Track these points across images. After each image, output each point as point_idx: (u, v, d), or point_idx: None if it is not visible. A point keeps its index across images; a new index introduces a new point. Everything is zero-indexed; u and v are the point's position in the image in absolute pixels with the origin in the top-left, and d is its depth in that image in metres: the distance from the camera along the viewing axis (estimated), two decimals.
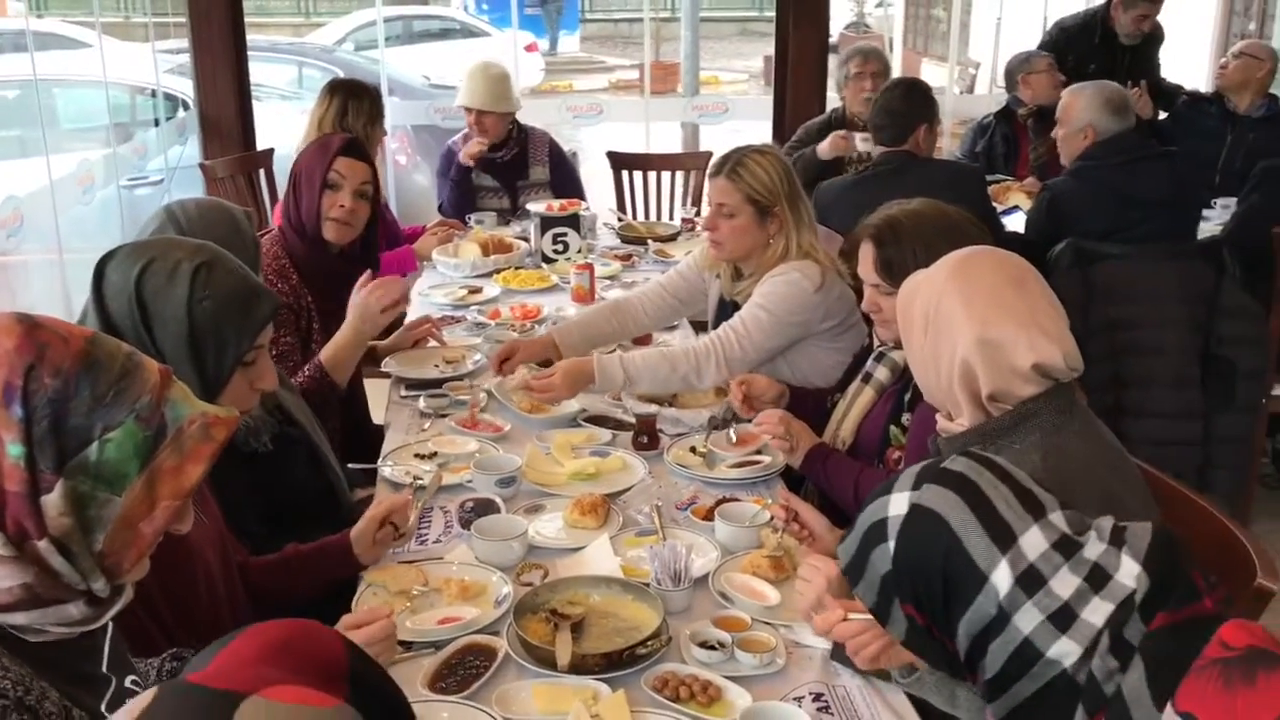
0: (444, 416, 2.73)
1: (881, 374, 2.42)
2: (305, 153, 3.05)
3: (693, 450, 2.54)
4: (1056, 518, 1.29)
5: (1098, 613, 1.22)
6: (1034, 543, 1.26)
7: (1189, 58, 6.90)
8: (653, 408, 2.66)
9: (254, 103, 5.33)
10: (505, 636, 1.84)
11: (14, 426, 1.15)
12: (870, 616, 1.42)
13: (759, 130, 5.83)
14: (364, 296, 2.74)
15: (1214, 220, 4.42)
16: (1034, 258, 3.55)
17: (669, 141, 9.08)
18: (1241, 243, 3.80)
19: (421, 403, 2.79)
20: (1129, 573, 1.23)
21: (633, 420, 2.63)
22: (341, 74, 7.19)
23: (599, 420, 2.71)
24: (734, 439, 2.52)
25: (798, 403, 2.64)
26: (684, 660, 1.80)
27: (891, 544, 1.32)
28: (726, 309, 3.05)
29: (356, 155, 2.97)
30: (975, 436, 1.73)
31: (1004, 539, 1.26)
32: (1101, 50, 5.32)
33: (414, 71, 9.68)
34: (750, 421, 2.52)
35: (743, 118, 6.35)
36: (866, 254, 2.31)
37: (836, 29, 20.07)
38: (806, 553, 1.94)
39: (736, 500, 2.31)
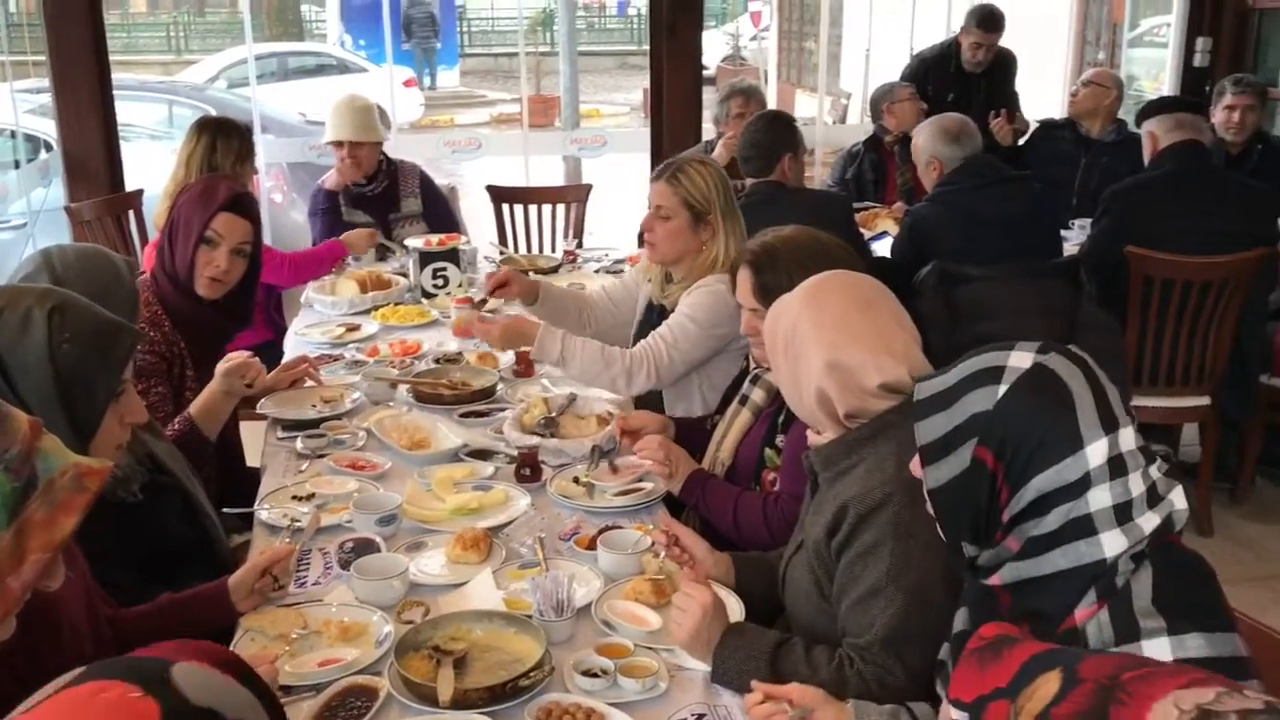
0: (322, 457, 2.70)
1: (758, 396, 2.48)
2: (187, 199, 2.91)
3: (575, 481, 2.55)
4: (1136, 429, 1.42)
5: (1149, 522, 1.36)
6: (1128, 437, 1.38)
7: (1045, 85, 7.21)
8: (534, 440, 2.67)
9: (122, 143, 5.20)
10: (387, 676, 1.82)
11: None
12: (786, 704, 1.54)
13: (639, 162, 5.91)
14: (229, 369, 2.69)
15: (1072, 240, 4.63)
16: (901, 281, 3.71)
17: (551, 175, 9.13)
18: (1097, 261, 4.00)
19: (299, 444, 2.75)
20: (1178, 499, 1.40)
21: (515, 453, 2.64)
22: (213, 112, 7.07)
23: (481, 454, 2.71)
24: (616, 468, 2.54)
25: (684, 433, 2.70)
26: (567, 689, 1.80)
27: (1002, 388, 1.40)
28: (653, 313, 3.18)
29: (240, 212, 2.86)
30: (839, 446, 1.85)
31: (1109, 423, 1.38)
32: (958, 79, 5.55)
33: (289, 108, 9.56)
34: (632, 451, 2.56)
35: (621, 150, 6.41)
36: (745, 279, 2.38)
37: (714, 60, 20.49)
38: (688, 576, 1.97)
39: (619, 528, 2.33)
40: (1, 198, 5.56)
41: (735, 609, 2.01)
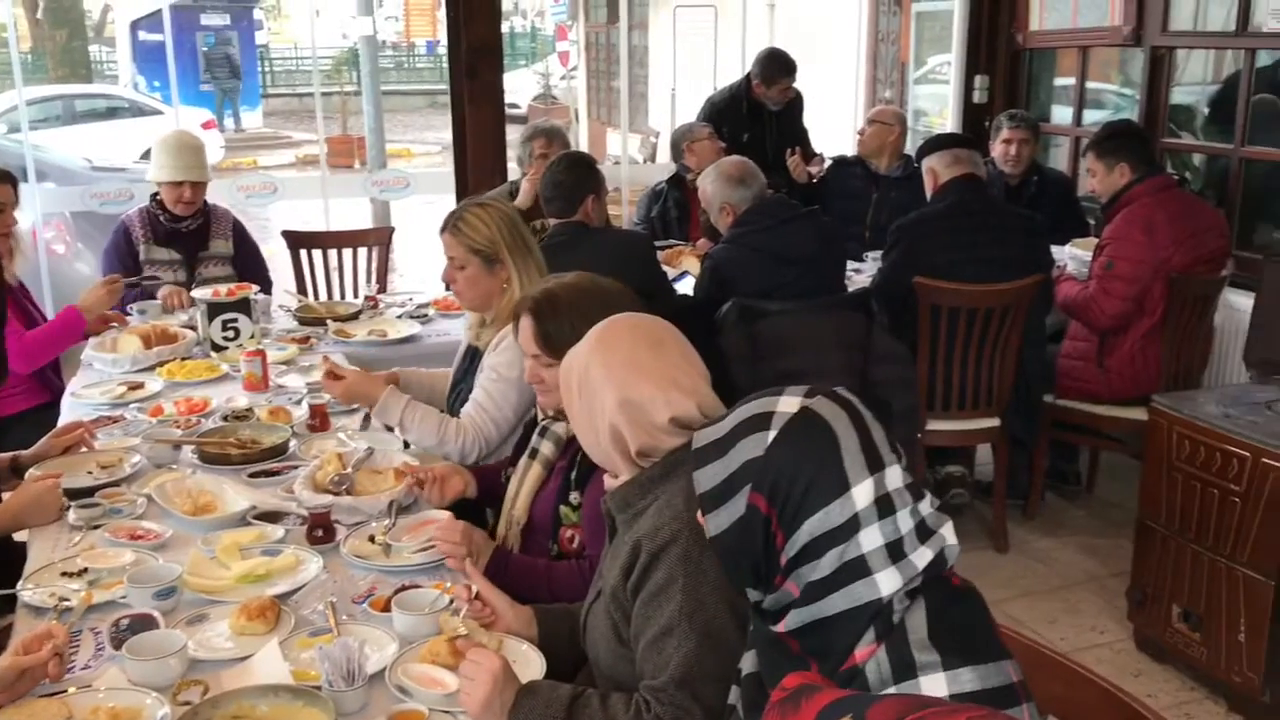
0: (97, 528, 2.52)
1: (546, 449, 2.45)
2: None
3: (371, 540, 2.46)
4: (905, 469, 1.44)
5: (922, 557, 1.39)
6: (895, 476, 1.40)
7: (838, 124, 7.48)
8: (327, 499, 2.56)
9: None
10: None
11: None
12: None
13: (445, 203, 5.83)
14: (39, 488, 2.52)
15: (866, 272, 4.79)
16: (705, 319, 3.75)
17: (361, 217, 8.94)
18: (887, 293, 4.14)
19: (71, 514, 2.56)
20: (949, 534, 1.43)
21: (306, 514, 2.52)
22: None
23: (270, 516, 2.58)
24: (411, 525, 2.47)
25: (486, 484, 2.66)
26: None
27: (771, 434, 1.42)
28: (469, 354, 3.17)
29: None
30: (633, 488, 1.87)
31: (875, 463, 1.40)
32: (750, 120, 5.72)
33: (75, 154, 9.07)
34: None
35: (426, 191, 6.33)
36: (526, 327, 2.38)
37: (525, 100, 20.58)
38: (462, 645, 1.90)
39: (417, 587, 2.25)
40: None
41: (536, 664, 1.96)
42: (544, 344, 2.33)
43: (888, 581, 1.36)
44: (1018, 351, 4.13)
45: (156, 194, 4.42)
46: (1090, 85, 6.07)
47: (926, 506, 1.43)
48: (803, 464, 1.39)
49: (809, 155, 5.70)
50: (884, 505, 1.39)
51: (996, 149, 5.36)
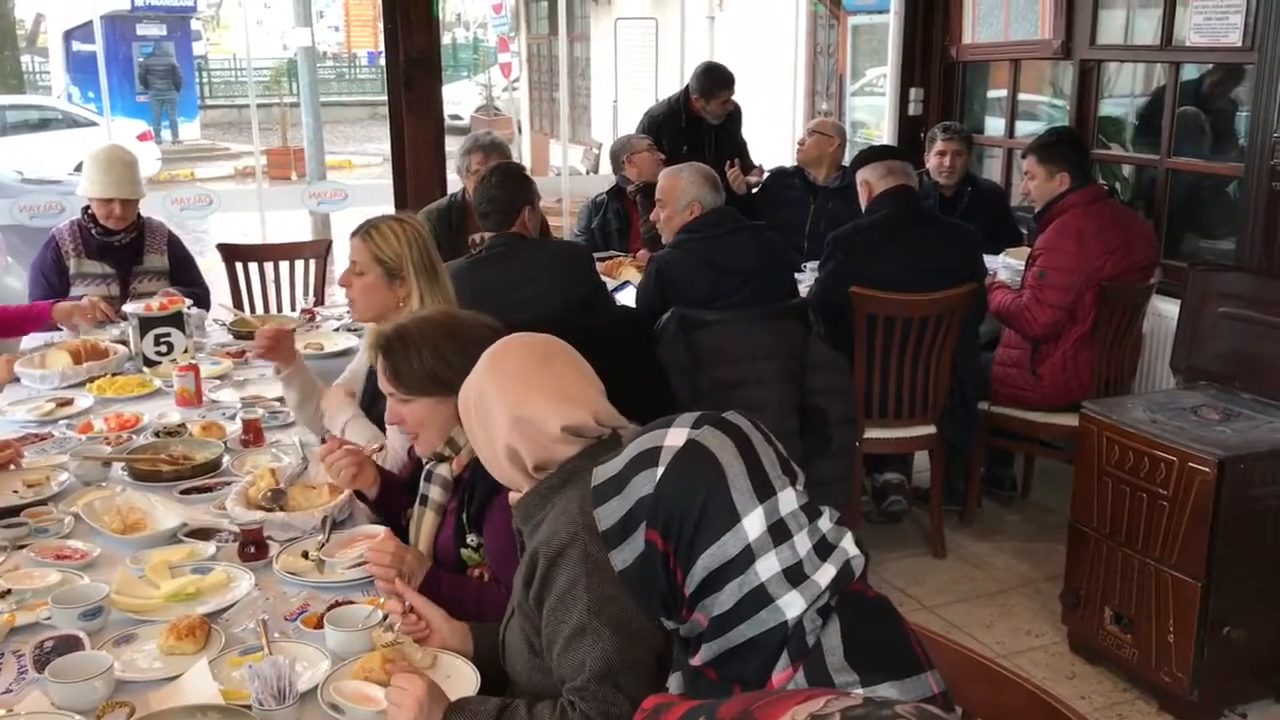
0: (22, 548, 2.47)
1: (435, 493, 2.38)
2: None
3: (304, 555, 2.43)
4: (802, 487, 1.44)
5: (825, 574, 1.38)
6: (788, 501, 1.40)
7: (777, 135, 7.55)
8: (259, 515, 2.53)
9: None
10: None
11: None
12: None
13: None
14: None
15: (803, 282, 4.82)
16: (645, 329, 3.76)
17: (300, 229, 8.84)
18: (824, 302, 4.18)
19: None
20: (850, 546, 1.42)
21: (238, 531, 2.49)
22: None
23: (202, 534, 2.54)
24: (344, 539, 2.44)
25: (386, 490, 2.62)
26: None
27: (660, 470, 1.42)
28: (372, 378, 3.02)
29: None
30: (534, 498, 1.89)
31: (764, 491, 1.39)
32: (689, 132, 5.75)
33: (6, 166, 8.90)
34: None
35: (364, 203, 6.26)
36: (381, 366, 2.37)
37: (468, 111, 20.52)
38: (400, 667, 1.89)
39: (351, 603, 2.22)
40: None
41: (470, 679, 1.95)
42: (395, 380, 2.33)
43: (791, 605, 1.36)
44: (952, 359, 4.19)
45: (88, 207, 4.34)
46: (1022, 97, 6.17)
47: (826, 523, 1.43)
48: (691, 499, 1.39)
49: (748, 167, 5.74)
50: (777, 532, 1.38)
51: (931, 160, 5.43)
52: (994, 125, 6.43)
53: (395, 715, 1.76)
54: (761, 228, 4.16)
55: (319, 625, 2.13)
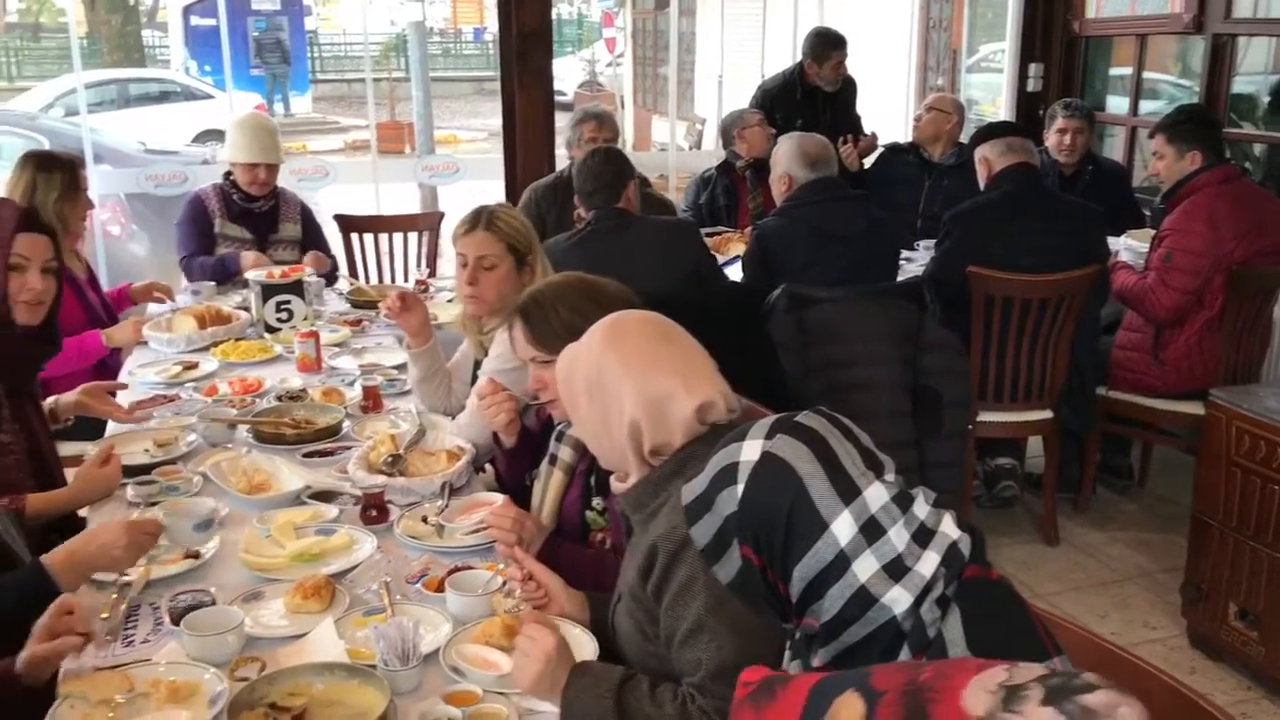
0: (154, 504, 2.55)
1: (566, 454, 2.40)
2: None
3: (424, 520, 2.47)
4: (892, 477, 1.39)
5: (927, 564, 1.33)
6: (876, 496, 1.36)
7: (889, 110, 7.41)
8: (380, 479, 2.58)
9: None
10: None
11: None
12: None
13: (493, 189, 5.85)
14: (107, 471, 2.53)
15: (917, 261, 4.74)
16: (754, 304, 3.73)
17: (408, 202, 8.97)
18: (940, 282, 4.10)
19: (129, 491, 2.60)
20: (949, 527, 1.36)
21: (360, 494, 2.54)
22: (46, 142, 6.73)
23: (325, 496, 2.60)
24: (464, 505, 2.48)
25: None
26: None
27: (740, 487, 1.39)
28: (479, 365, 3.08)
29: (35, 229, 2.72)
30: (646, 487, 1.85)
31: (849, 492, 1.35)
32: (804, 105, 5.67)
33: (129, 137, 9.19)
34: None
35: (474, 177, 6.34)
36: (519, 334, 2.36)
37: (571, 86, 20.58)
38: (527, 618, 1.91)
39: (470, 568, 2.26)
40: None
41: (589, 647, 1.96)
42: (538, 342, 2.31)
43: (898, 601, 1.32)
44: (1071, 342, 4.07)
45: (229, 173, 4.48)
46: (1146, 75, 5.96)
47: (922, 508, 1.38)
48: (774, 513, 1.36)
49: (860, 135, 5.66)
50: (870, 530, 1.34)
51: (1051, 138, 5.28)
52: (1116, 104, 6.23)
53: (522, 664, 1.77)
54: (865, 197, 4.14)
55: (439, 589, 2.17)
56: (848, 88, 5.83)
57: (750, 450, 1.41)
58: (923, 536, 1.35)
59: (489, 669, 1.91)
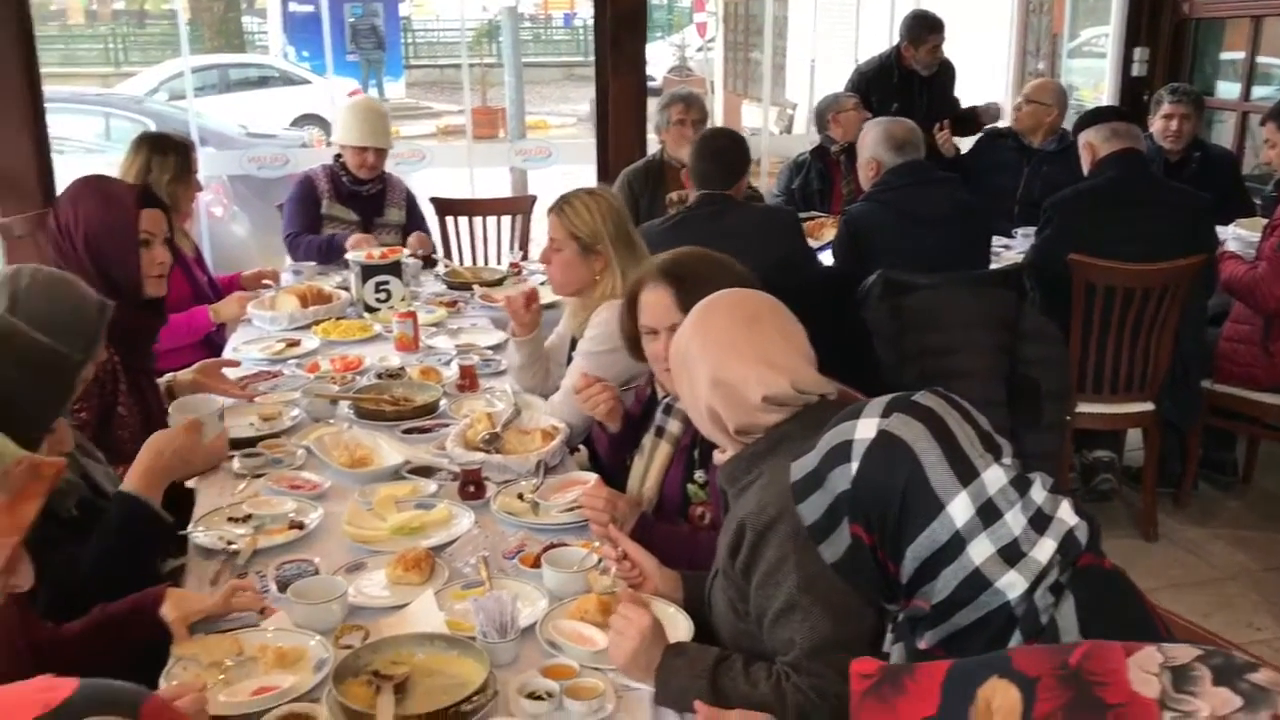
0: (260, 476, 2.63)
1: (674, 426, 2.41)
2: (94, 211, 2.80)
3: (520, 497, 2.50)
4: (1009, 460, 1.38)
5: (1043, 550, 1.31)
6: (994, 478, 1.34)
7: (986, 95, 7.27)
8: (478, 456, 2.62)
9: (56, 156, 5.07)
10: (325, 703, 1.76)
11: None
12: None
13: (585, 173, 5.88)
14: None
15: (1016, 249, 4.66)
16: (846, 290, 3.70)
17: (498, 186, 9.06)
18: (1040, 270, 4.02)
19: (235, 463, 2.68)
20: (1067, 514, 1.34)
21: (457, 470, 2.59)
22: (152, 125, 6.94)
23: (423, 471, 2.65)
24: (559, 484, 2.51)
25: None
26: (511, 713, 1.76)
27: (855, 465, 1.38)
28: (573, 345, 3.17)
29: (152, 204, 2.86)
30: (739, 463, 1.87)
31: (966, 473, 1.34)
32: (900, 89, 5.60)
33: (231, 121, 9.42)
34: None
35: (567, 161, 6.39)
36: (663, 298, 2.33)
37: (660, 71, 20.54)
38: (625, 596, 1.93)
39: (565, 545, 2.28)
40: None
41: (684, 626, 1.98)
42: (688, 309, 2.30)
43: (1012, 586, 1.30)
44: (1175, 333, 3.97)
45: (339, 155, 4.58)
46: (1260, 59, 5.76)
47: (1039, 493, 1.36)
48: (889, 492, 1.35)
49: (970, 113, 5.60)
50: (987, 513, 1.32)
51: (1156, 124, 5.14)
52: (1225, 89, 6.03)
53: (617, 642, 1.79)
54: (956, 180, 4.09)
55: (535, 564, 2.20)
56: (945, 72, 5.74)
57: (865, 428, 1.40)
58: (1040, 522, 1.33)
59: (585, 645, 1.93)
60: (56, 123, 5.23)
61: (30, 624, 1.85)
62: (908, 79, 5.66)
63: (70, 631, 1.93)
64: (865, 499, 1.37)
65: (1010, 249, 4.65)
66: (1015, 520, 1.33)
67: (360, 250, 4.05)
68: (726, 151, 3.79)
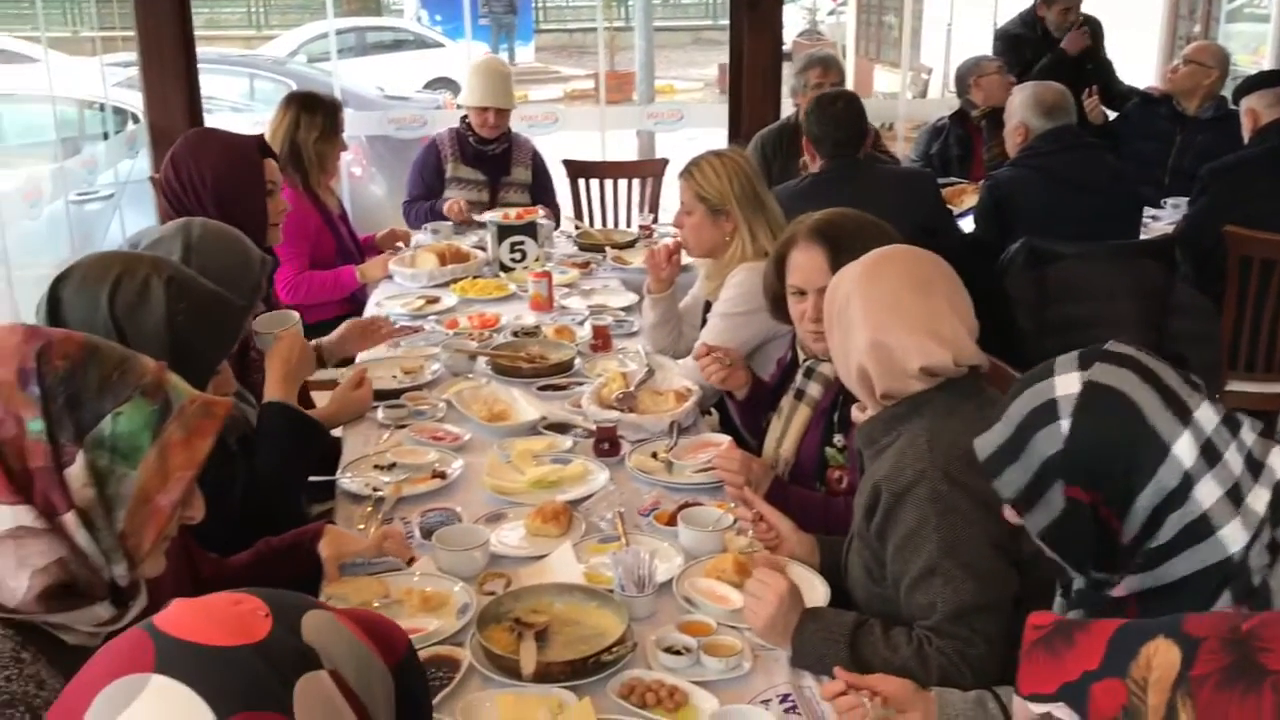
0: (403, 427, 2.70)
1: (814, 389, 2.40)
2: (220, 163, 2.83)
3: (654, 456, 2.52)
4: (1215, 402, 1.33)
5: (1259, 500, 1.27)
6: (1207, 416, 1.30)
7: (1137, 57, 7.00)
8: (613, 414, 2.65)
9: (205, 115, 5.26)
10: (469, 647, 1.82)
11: (32, 405, 1.23)
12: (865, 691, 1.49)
13: (715, 137, 5.84)
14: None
15: (1165, 220, 4.48)
16: (987, 259, 3.61)
17: (625, 150, 9.08)
18: (1193, 242, 3.87)
19: (380, 414, 2.76)
20: (1278, 465, 1.29)
21: (592, 427, 2.62)
22: (294, 85, 7.13)
23: (559, 427, 2.69)
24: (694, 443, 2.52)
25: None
26: (649, 666, 1.78)
27: (1065, 422, 1.33)
28: (707, 308, 3.19)
29: (268, 154, 2.95)
30: (878, 424, 1.86)
31: (1182, 412, 1.30)
32: (1044, 51, 5.41)
33: (368, 83, 9.62)
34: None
35: (698, 125, 6.36)
36: (815, 258, 2.29)
37: (790, 36, 20.25)
38: (761, 560, 1.93)
39: (699, 504, 2.30)
40: (91, 168, 5.66)
41: (820, 590, 1.97)
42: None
43: (1234, 537, 1.25)
44: None
45: (466, 116, 4.64)
46: None
47: (1249, 434, 1.30)
48: (1112, 443, 1.30)
49: (1111, 94, 5.37)
50: (1209, 452, 1.28)
51: None
52: None
53: (754, 606, 1.79)
54: (1104, 146, 3.96)
55: (670, 522, 2.22)
56: (1094, 32, 5.50)
57: (1067, 384, 1.35)
58: (1254, 467, 1.29)
59: (721, 603, 1.94)
60: (205, 83, 5.40)
61: (197, 557, 1.94)
62: (1049, 40, 5.46)
63: (238, 563, 2.02)
64: (1082, 456, 1.33)
65: (1159, 219, 4.48)
66: (1235, 461, 1.29)
67: (496, 212, 4.10)
68: (844, 119, 3.72)
